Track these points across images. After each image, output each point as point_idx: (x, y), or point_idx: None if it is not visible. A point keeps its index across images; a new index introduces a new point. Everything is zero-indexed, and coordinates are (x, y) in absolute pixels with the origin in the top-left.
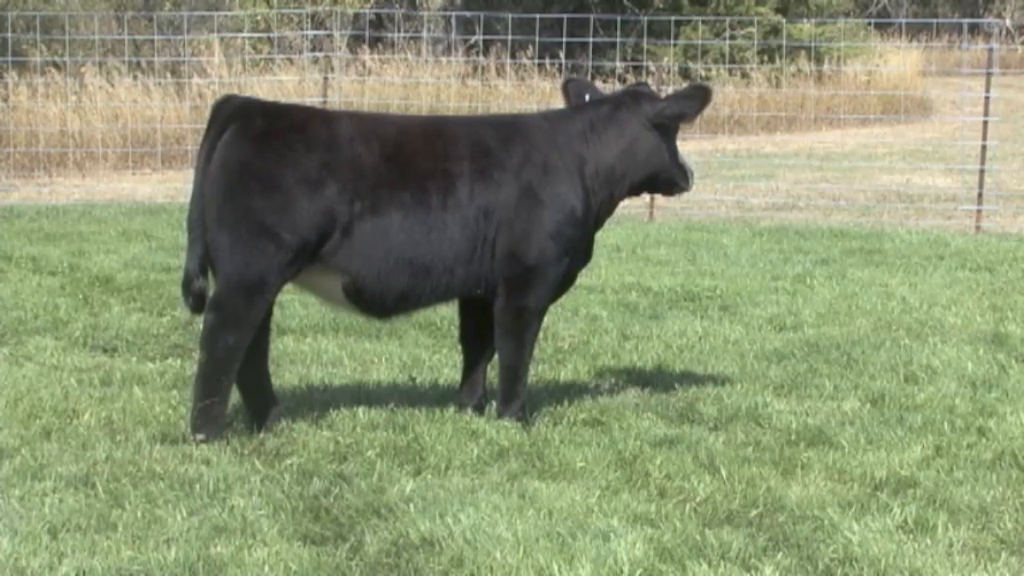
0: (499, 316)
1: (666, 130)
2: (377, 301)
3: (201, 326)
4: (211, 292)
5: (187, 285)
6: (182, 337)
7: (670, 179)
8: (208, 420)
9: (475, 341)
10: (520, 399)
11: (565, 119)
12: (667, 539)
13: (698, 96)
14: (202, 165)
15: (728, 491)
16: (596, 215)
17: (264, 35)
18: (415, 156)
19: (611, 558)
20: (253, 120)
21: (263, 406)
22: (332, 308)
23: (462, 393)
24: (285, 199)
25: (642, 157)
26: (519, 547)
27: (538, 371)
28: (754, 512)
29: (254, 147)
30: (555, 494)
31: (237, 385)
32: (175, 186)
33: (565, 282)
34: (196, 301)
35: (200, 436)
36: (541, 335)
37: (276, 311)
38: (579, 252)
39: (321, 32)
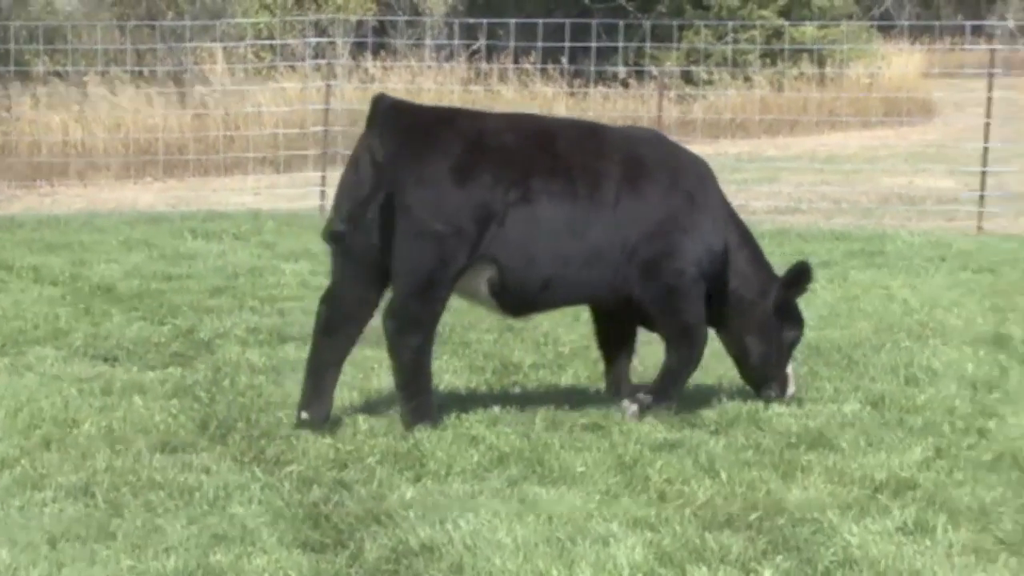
0: (668, 340)
1: (788, 325)
2: (519, 296)
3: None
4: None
5: (329, 228)
6: (183, 346)
7: (764, 369)
8: (422, 415)
9: (613, 345)
10: (673, 400)
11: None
12: (667, 543)
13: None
14: (354, 165)
15: (728, 494)
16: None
17: (267, 43)
18: (569, 155)
19: (611, 562)
20: (402, 118)
21: (321, 396)
22: (473, 304)
23: (609, 391)
24: (441, 194)
25: (740, 296)
26: (519, 552)
27: (539, 376)
28: (754, 515)
29: (405, 145)
30: (555, 499)
31: (309, 364)
32: (177, 195)
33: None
34: (334, 236)
35: (418, 428)
36: (542, 340)
37: (277, 319)
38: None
39: (324, 39)
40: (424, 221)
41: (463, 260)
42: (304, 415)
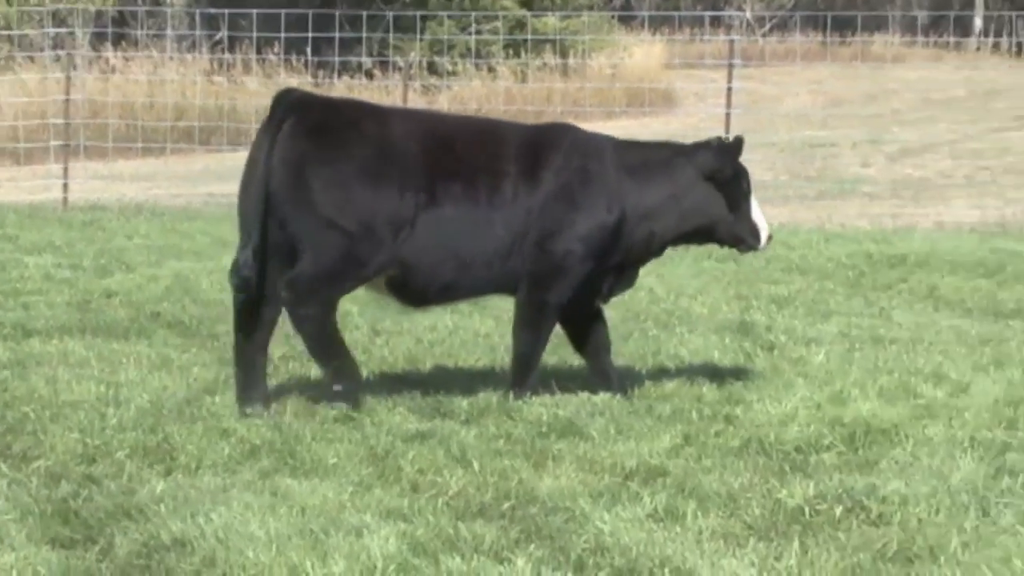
0: (521, 308)
1: (729, 185)
2: (420, 294)
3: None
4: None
5: (236, 271)
6: None
7: (732, 233)
8: (342, 376)
9: (588, 345)
10: (531, 383)
11: (627, 148)
12: (420, 533)
13: (729, 151)
14: (262, 156)
15: (480, 484)
16: (635, 246)
17: (3, 33)
18: (466, 154)
19: (364, 554)
20: (311, 114)
21: (255, 384)
22: (372, 295)
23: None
24: (347, 192)
25: (688, 205)
26: (272, 545)
27: (290, 368)
28: (506, 504)
29: (314, 141)
30: (307, 491)
31: (236, 357)
32: None
33: (592, 293)
34: (243, 285)
35: (338, 387)
36: (290, 332)
37: (21, 313)
38: (614, 269)
39: (63, 30)
40: (332, 218)
41: (380, 264)
42: (248, 409)
